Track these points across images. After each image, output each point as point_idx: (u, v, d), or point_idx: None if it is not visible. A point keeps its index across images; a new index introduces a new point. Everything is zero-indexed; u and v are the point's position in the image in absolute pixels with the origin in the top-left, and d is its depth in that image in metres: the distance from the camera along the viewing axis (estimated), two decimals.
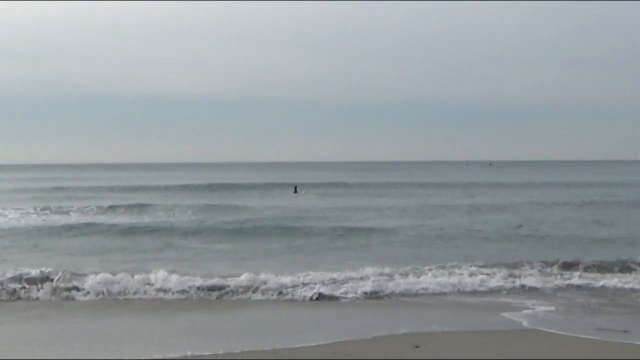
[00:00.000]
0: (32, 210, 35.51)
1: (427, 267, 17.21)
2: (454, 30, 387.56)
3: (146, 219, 32.12)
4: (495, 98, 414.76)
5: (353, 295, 14.80)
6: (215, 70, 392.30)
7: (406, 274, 16.51)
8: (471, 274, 16.58)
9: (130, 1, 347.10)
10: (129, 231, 26.61)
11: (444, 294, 15.22)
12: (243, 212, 34.63)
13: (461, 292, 15.34)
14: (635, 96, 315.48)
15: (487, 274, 16.62)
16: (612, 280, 16.28)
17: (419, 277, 16.17)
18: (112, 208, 37.16)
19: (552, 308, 13.61)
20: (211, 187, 59.68)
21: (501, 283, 15.98)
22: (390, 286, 15.36)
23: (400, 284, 15.60)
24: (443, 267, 17.26)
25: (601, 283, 16.11)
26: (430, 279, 16.01)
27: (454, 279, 16.07)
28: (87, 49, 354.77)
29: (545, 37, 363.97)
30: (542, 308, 13.56)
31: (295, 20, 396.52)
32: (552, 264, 17.79)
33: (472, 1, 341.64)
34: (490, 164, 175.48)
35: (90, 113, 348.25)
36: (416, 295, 15.04)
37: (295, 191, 51.01)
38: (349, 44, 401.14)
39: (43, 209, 36.44)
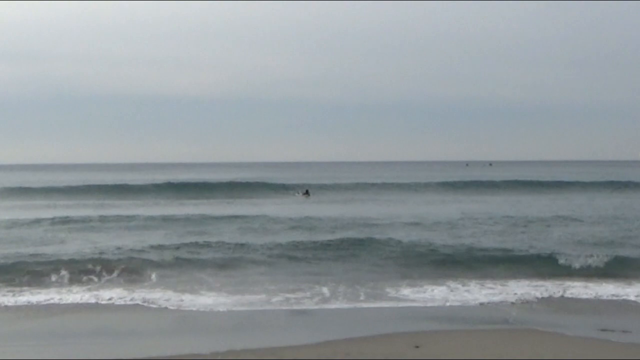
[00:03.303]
0: None
1: None
2: (453, 30, 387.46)
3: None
4: (495, 98, 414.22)
5: None
6: (214, 70, 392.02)
7: None
8: None
9: (130, 1, 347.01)
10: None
11: None
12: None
13: None
14: (635, 96, 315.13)
15: None
16: None
17: None
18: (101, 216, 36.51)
19: None
20: (221, 187, 54.46)
21: None
22: None
23: None
24: None
25: None
26: None
27: None
28: (86, 49, 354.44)
29: (545, 37, 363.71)
30: None
31: (295, 20, 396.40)
32: None
33: (472, 1, 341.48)
34: (491, 164, 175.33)
35: (90, 113, 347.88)
36: None
37: (307, 193, 47.40)
38: (349, 44, 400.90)
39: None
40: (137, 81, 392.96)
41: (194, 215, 30.83)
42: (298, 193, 49.02)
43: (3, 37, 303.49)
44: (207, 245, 21.79)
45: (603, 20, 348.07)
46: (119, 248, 20.85)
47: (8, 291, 15.59)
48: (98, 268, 17.72)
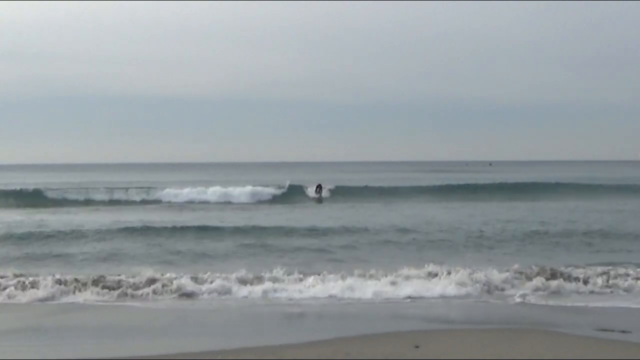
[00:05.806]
0: None
1: None
2: (454, 30, 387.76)
3: None
4: (496, 98, 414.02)
5: None
6: (214, 70, 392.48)
7: None
8: None
9: (130, 1, 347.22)
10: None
11: None
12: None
13: None
14: (635, 96, 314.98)
15: None
16: None
17: None
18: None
19: None
20: None
21: None
22: None
23: None
24: None
25: None
26: None
27: None
28: (86, 49, 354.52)
29: (545, 37, 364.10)
30: None
31: (295, 20, 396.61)
32: None
33: (472, 1, 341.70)
34: (490, 164, 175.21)
35: (90, 113, 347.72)
36: None
37: (318, 191, 41.72)
38: (349, 44, 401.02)
39: None
40: (137, 81, 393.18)
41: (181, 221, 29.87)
42: (312, 192, 43.19)
43: (3, 37, 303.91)
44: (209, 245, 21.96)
45: (603, 20, 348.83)
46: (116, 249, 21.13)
47: None
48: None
